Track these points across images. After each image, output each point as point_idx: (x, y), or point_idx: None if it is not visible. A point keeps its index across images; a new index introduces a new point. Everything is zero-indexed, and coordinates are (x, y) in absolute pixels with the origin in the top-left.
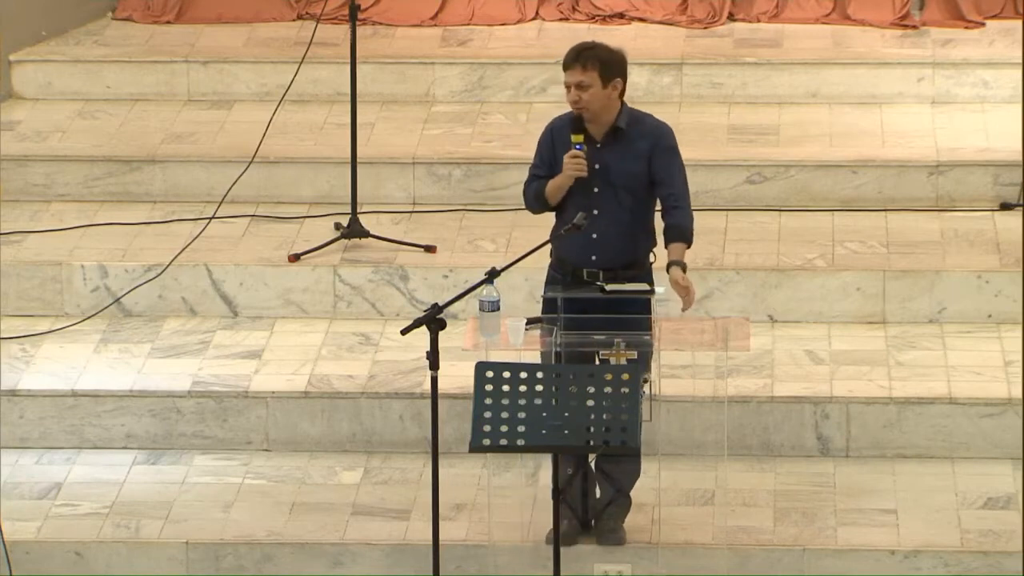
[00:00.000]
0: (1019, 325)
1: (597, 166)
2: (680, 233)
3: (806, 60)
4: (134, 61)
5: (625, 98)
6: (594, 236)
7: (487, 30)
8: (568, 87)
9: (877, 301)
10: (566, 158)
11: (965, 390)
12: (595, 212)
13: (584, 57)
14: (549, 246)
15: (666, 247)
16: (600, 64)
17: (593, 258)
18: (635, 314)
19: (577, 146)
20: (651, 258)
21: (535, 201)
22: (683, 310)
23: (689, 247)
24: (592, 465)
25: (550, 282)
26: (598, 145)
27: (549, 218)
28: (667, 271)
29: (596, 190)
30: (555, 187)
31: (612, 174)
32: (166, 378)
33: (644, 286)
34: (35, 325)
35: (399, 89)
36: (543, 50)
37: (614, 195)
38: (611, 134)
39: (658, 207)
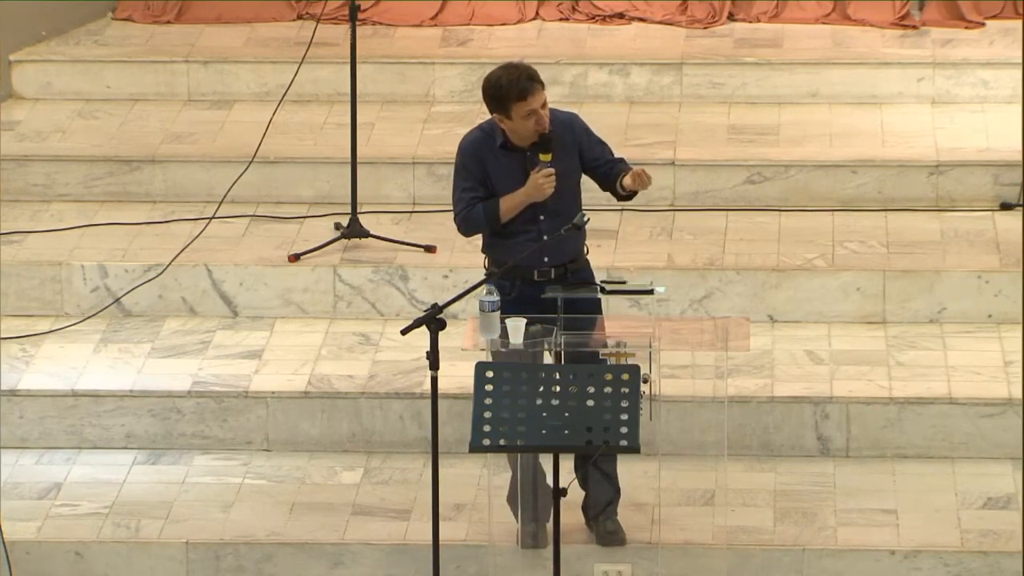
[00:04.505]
0: (1019, 325)
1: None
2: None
3: (806, 60)
4: (134, 61)
5: (626, 99)
6: (545, 238)
7: (487, 30)
8: (533, 112)
9: (877, 301)
10: (538, 177)
11: (965, 390)
12: (541, 217)
13: (537, 77)
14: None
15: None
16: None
17: (545, 259)
18: (587, 313)
19: (548, 164)
20: (585, 250)
21: (485, 222)
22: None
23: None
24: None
25: (497, 290)
26: (528, 153)
27: None
28: (623, 177)
29: None
30: (515, 204)
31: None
32: (166, 378)
33: (644, 286)
34: (35, 325)
35: (399, 89)
36: (543, 50)
37: (556, 196)
38: (542, 139)
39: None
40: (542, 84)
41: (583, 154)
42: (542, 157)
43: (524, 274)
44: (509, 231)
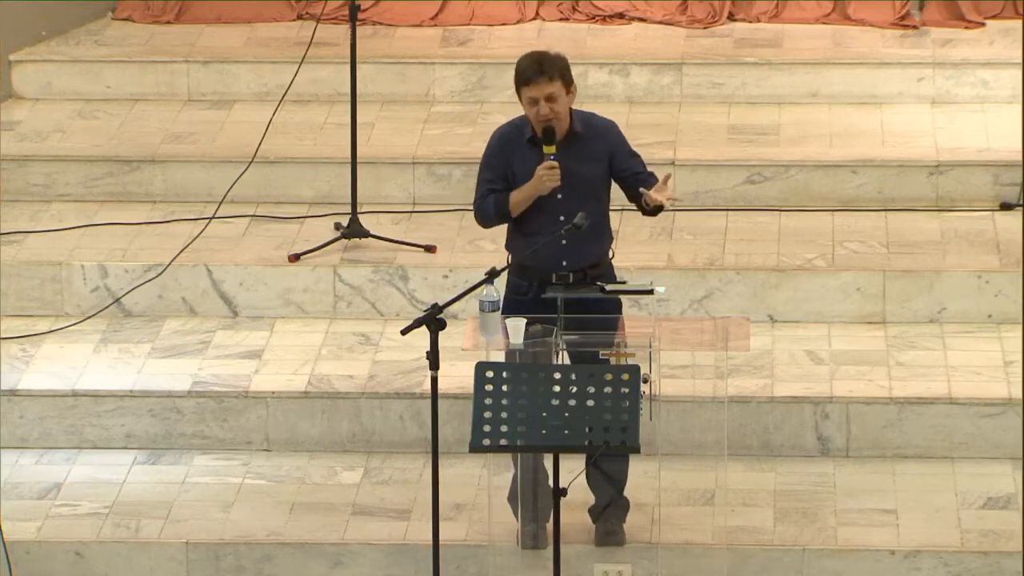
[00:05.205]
0: (1019, 325)
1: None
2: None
3: (806, 60)
4: (134, 61)
5: (626, 99)
6: (563, 242)
7: (487, 30)
8: (535, 100)
9: (877, 301)
10: (541, 169)
11: (965, 390)
12: (561, 218)
13: (548, 67)
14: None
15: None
16: (560, 72)
17: (564, 263)
18: (607, 314)
19: (552, 157)
20: (610, 254)
21: (496, 215)
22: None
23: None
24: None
25: (514, 289)
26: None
27: None
28: (650, 193)
29: (559, 196)
30: (523, 198)
31: (574, 179)
32: (166, 378)
33: (644, 286)
34: (35, 325)
35: (399, 89)
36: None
37: (577, 199)
38: (569, 139)
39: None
40: (554, 77)
41: (613, 163)
42: (545, 150)
43: (543, 276)
44: (530, 230)
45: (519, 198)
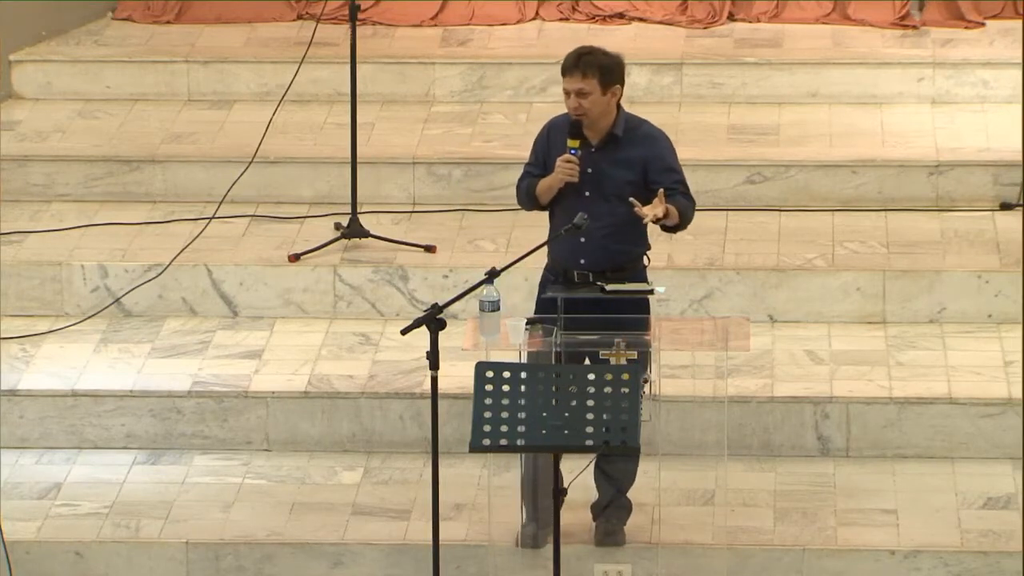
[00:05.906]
0: (1019, 325)
1: (590, 170)
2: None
3: (806, 60)
4: (134, 61)
5: (626, 99)
6: (582, 240)
7: (487, 30)
8: (567, 93)
9: (877, 301)
10: (559, 161)
11: (965, 390)
12: (585, 217)
13: (584, 63)
14: (547, 248)
15: None
16: (600, 70)
17: (582, 261)
18: (634, 314)
19: (572, 151)
20: (645, 261)
21: (527, 199)
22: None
23: (681, 223)
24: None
25: (543, 283)
26: (592, 150)
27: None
28: (639, 206)
29: (587, 194)
30: (545, 187)
31: (604, 180)
32: (166, 378)
33: (645, 285)
34: (35, 325)
35: (399, 89)
36: (543, 50)
37: (605, 201)
38: (606, 140)
39: None
40: (588, 74)
41: (647, 174)
42: (568, 143)
43: (566, 272)
44: (556, 224)
45: (543, 186)
